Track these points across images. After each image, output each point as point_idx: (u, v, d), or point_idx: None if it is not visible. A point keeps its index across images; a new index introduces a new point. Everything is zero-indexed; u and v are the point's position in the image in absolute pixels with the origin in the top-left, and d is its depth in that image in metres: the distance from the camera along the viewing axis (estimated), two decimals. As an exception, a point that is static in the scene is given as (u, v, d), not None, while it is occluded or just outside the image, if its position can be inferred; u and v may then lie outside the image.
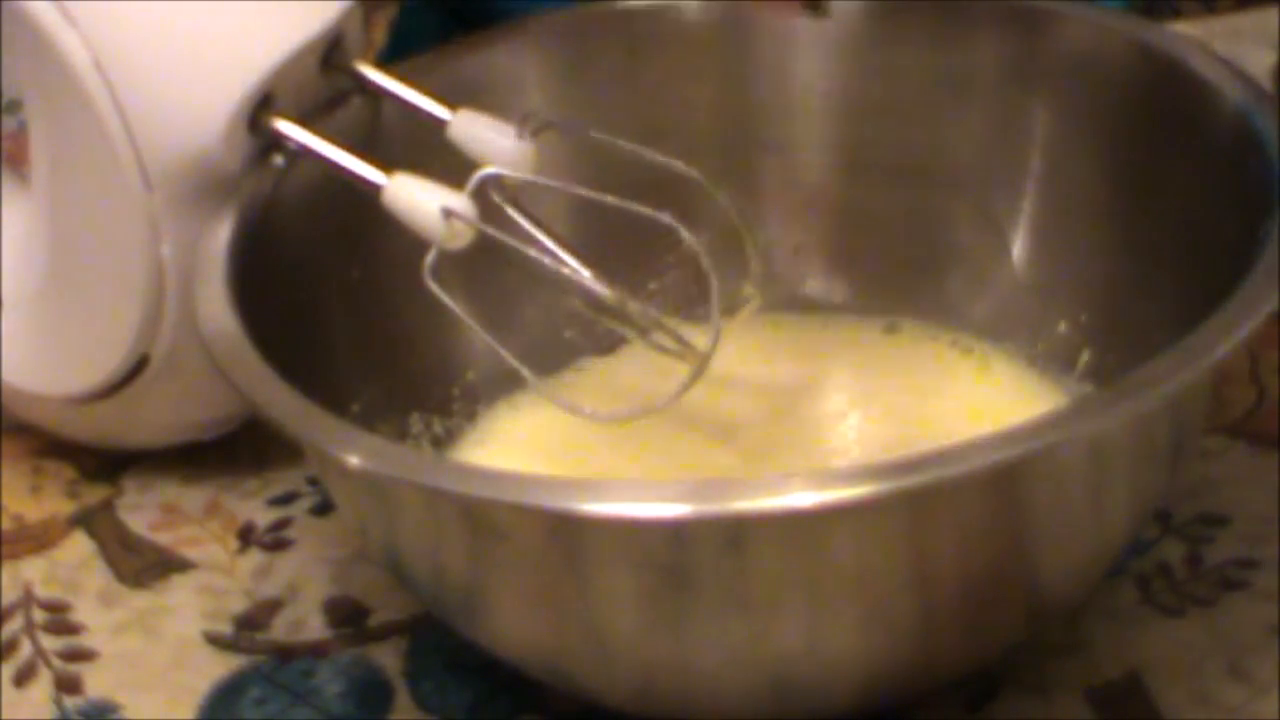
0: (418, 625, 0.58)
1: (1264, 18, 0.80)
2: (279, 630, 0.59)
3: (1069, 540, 0.49)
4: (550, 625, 0.50)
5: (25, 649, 0.60)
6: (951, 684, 0.53)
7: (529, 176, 0.58)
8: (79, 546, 0.64)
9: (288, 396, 0.49)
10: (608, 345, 0.64)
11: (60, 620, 0.61)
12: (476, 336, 0.58)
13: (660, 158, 0.59)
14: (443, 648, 0.57)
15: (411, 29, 0.76)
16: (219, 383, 0.51)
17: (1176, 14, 0.84)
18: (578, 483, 0.48)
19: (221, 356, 0.51)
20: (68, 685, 0.58)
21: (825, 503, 0.44)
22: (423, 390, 0.61)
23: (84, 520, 0.65)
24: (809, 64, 0.64)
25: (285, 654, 0.58)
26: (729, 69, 0.65)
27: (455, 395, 0.62)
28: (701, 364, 0.56)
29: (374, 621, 0.59)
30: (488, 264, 0.59)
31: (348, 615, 0.59)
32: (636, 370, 0.63)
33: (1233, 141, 0.55)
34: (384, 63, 0.61)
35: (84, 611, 0.61)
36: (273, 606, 0.60)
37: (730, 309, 0.62)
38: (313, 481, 0.64)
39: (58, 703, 0.58)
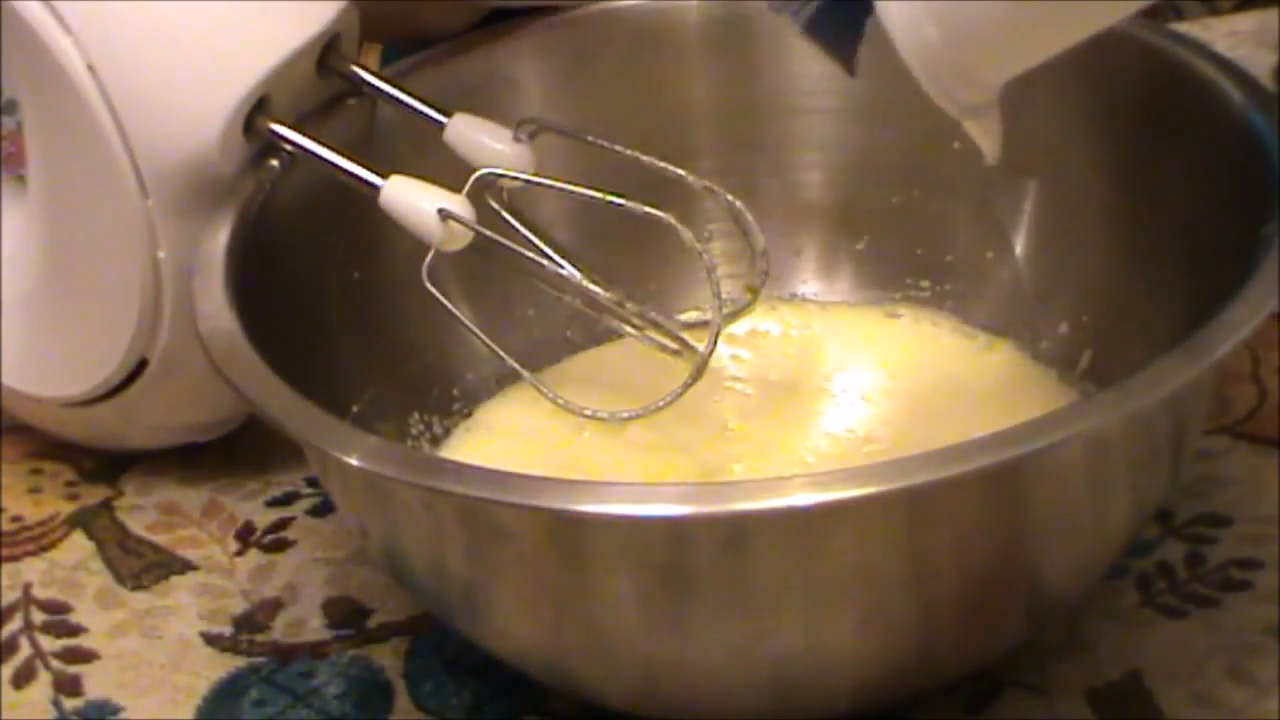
0: (418, 625, 0.58)
1: (1264, 18, 0.80)
2: (278, 631, 0.59)
3: (1069, 540, 0.49)
4: (550, 625, 0.50)
5: (24, 650, 0.59)
6: (952, 684, 0.53)
7: (527, 175, 0.58)
8: (78, 547, 0.64)
9: (287, 397, 0.49)
10: (606, 340, 0.64)
11: (59, 621, 0.61)
12: (475, 337, 0.58)
13: (659, 163, 0.59)
14: (443, 648, 0.57)
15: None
16: (217, 385, 0.51)
17: (1178, 14, 0.84)
18: (578, 483, 0.48)
19: (220, 358, 0.51)
20: (67, 686, 0.58)
21: (825, 503, 0.44)
22: (423, 390, 0.61)
23: (83, 521, 0.65)
24: (809, 64, 0.63)
25: (285, 655, 0.58)
26: (729, 69, 0.64)
27: (455, 395, 0.62)
28: (701, 365, 0.56)
29: (374, 622, 0.59)
30: (487, 264, 0.59)
31: (348, 616, 0.59)
32: (636, 365, 0.62)
33: (1233, 141, 0.54)
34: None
35: (83, 612, 0.61)
36: (272, 607, 0.60)
37: (730, 309, 0.62)
38: (312, 482, 0.64)
39: (57, 704, 0.57)
